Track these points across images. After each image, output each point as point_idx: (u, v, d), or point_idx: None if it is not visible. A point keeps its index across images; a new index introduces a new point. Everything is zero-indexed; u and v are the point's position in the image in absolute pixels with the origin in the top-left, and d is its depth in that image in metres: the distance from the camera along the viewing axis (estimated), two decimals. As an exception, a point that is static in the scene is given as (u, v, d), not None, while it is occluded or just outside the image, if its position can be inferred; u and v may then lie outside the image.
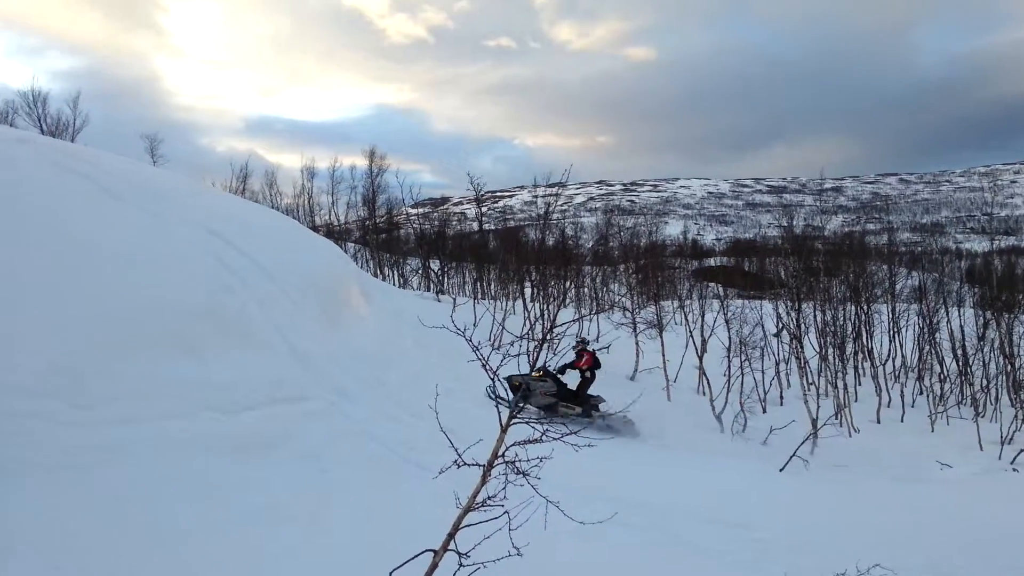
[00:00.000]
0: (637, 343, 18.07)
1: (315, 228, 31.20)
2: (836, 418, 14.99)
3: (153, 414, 5.96)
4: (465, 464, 4.39)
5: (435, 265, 30.79)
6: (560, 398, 11.72)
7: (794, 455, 11.49)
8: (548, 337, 4.46)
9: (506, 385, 11.26)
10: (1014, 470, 14.12)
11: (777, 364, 19.43)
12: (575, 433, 4.44)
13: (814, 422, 13.56)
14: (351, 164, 47.87)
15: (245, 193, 32.36)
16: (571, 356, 12.43)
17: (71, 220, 8.28)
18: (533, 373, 11.28)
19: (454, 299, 24.34)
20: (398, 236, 38.28)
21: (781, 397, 18.60)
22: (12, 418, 5.04)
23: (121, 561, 4.27)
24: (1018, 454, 14.84)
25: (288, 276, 10.35)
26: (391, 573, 3.29)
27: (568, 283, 29.62)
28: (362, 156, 37.82)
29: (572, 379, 11.88)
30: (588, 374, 12.10)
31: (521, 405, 10.26)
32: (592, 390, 11.87)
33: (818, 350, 19.86)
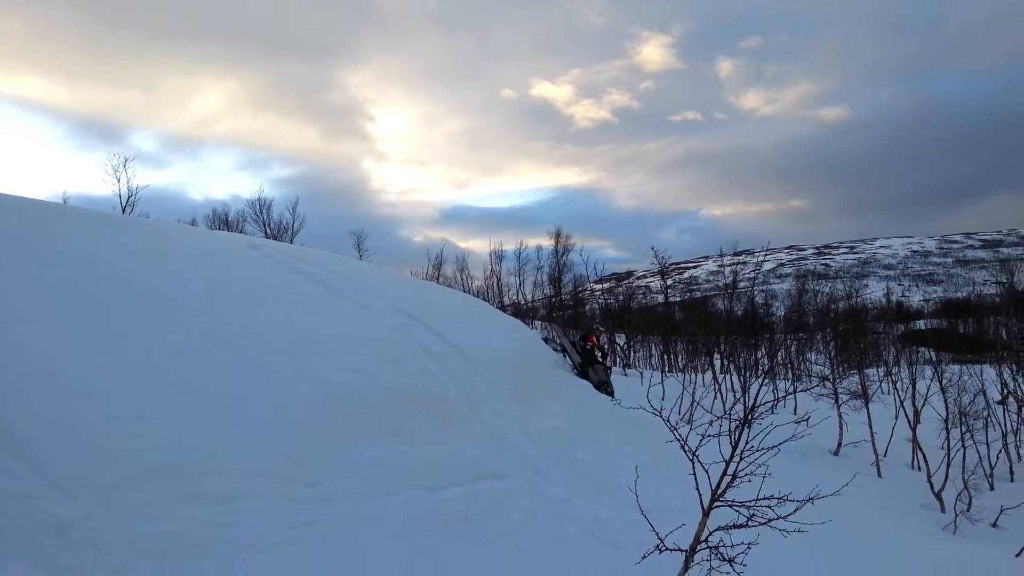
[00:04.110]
0: (840, 415, 16.84)
1: (503, 308, 32.44)
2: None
3: (370, 492, 6.44)
4: (667, 549, 4.34)
5: (621, 339, 30.71)
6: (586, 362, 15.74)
7: (1031, 538, 10.10)
8: (751, 417, 4.36)
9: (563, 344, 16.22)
10: None
11: (1004, 435, 17.14)
12: (783, 518, 4.25)
13: (1054, 501, 11.79)
14: (537, 245, 49.78)
15: (439, 279, 34.54)
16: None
17: (295, 313, 9.35)
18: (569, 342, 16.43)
19: (641, 373, 24.09)
20: (584, 312, 38.77)
21: (1011, 472, 16.40)
22: (238, 499, 5.53)
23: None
24: None
25: (483, 358, 10.86)
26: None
27: (760, 353, 28.38)
28: (547, 237, 39.30)
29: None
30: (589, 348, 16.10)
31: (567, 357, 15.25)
32: None
33: (1054, 417, 17.38)
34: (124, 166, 28.29)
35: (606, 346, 18.12)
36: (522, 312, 35.53)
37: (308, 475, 6.24)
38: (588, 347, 15.95)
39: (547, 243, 38.63)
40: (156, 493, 5.11)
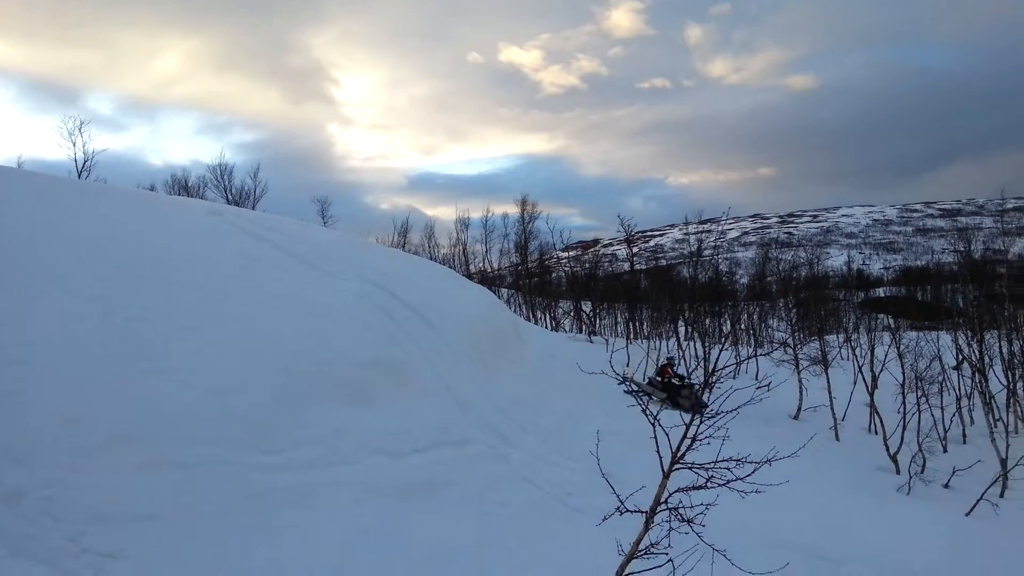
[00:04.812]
0: (800, 380, 17.19)
1: (470, 276, 32.35)
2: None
3: (332, 459, 6.43)
4: (628, 511, 4.40)
5: (587, 307, 30.86)
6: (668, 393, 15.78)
7: (981, 498, 10.44)
8: (712, 381, 4.42)
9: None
10: None
11: (958, 400, 17.55)
12: (741, 479, 4.33)
13: (1003, 462, 12.19)
14: (503, 213, 49.61)
15: (406, 246, 34.25)
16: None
17: (257, 279, 9.22)
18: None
19: (606, 340, 24.26)
20: (550, 280, 38.85)
21: (964, 435, 16.85)
22: (197, 466, 5.51)
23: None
24: None
25: (448, 325, 10.84)
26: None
27: (723, 320, 28.76)
28: (514, 204, 39.17)
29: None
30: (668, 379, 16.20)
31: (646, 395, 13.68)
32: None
33: (1006, 384, 17.82)
34: (80, 130, 27.26)
35: (679, 369, 18.44)
36: (489, 280, 35.55)
37: (269, 443, 6.20)
38: (667, 380, 16.09)
39: (513, 211, 38.45)
40: (114, 460, 5.05)
